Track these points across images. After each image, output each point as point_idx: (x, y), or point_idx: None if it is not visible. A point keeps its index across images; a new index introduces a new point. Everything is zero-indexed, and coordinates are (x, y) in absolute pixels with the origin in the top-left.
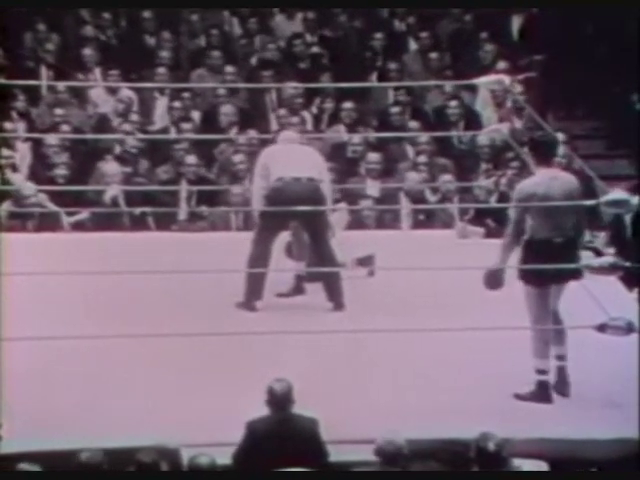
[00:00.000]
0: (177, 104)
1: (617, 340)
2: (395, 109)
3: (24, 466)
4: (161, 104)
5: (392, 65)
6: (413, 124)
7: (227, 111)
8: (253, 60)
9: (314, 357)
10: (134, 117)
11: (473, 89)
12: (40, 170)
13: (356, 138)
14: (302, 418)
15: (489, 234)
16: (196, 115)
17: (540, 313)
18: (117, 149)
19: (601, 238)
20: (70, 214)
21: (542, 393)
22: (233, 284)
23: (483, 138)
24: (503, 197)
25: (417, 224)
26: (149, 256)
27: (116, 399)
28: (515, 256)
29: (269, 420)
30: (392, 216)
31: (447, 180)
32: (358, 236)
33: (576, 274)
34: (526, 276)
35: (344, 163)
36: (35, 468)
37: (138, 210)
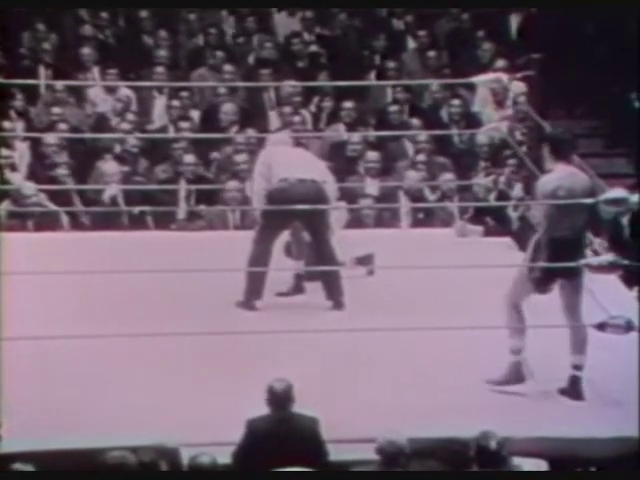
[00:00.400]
0: (175, 103)
1: (617, 339)
2: (394, 108)
3: (18, 466)
4: (160, 103)
5: (390, 64)
6: (415, 122)
7: (228, 110)
8: (251, 59)
9: (314, 356)
10: (132, 116)
11: (471, 88)
12: (39, 169)
13: (355, 137)
14: (302, 417)
15: (488, 232)
16: (195, 114)
17: (517, 298)
18: (117, 148)
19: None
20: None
21: (516, 374)
22: (232, 283)
23: (482, 137)
24: (502, 195)
25: (416, 223)
26: (148, 255)
27: (116, 399)
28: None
29: (269, 419)
30: (391, 215)
31: (448, 179)
32: (357, 235)
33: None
34: (538, 274)
35: (343, 162)
36: (29, 468)
37: (137, 209)
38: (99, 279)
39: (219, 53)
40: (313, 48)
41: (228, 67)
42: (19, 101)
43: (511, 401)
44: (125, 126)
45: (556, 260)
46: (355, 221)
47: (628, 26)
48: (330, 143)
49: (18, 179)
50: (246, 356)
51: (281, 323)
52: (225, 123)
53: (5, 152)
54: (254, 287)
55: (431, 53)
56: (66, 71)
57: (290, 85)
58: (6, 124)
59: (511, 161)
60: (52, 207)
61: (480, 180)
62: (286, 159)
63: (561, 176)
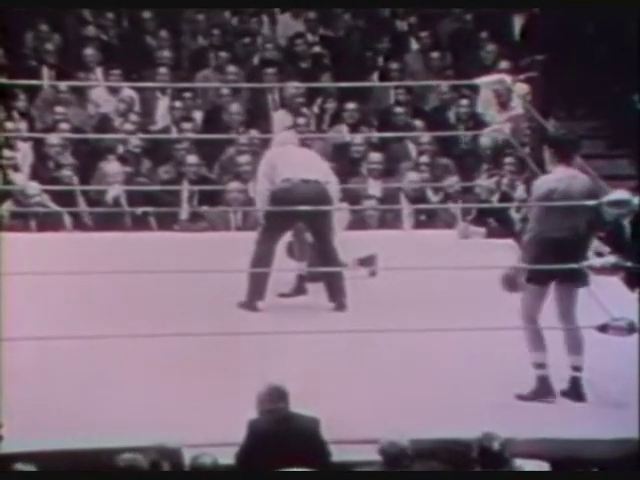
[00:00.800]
0: (178, 104)
1: (618, 340)
2: (397, 109)
3: (19, 466)
4: (163, 104)
5: (394, 65)
6: (418, 123)
7: (236, 110)
8: (255, 60)
9: (316, 357)
10: (135, 117)
11: (474, 89)
12: (42, 170)
13: (358, 138)
14: (303, 417)
15: (490, 234)
16: (198, 115)
17: (532, 310)
18: (120, 149)
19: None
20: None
21: (543, 389)
22: (235, 284)
23: (485, 138)
24: (505, 197)
25: (418, 224)
26: (151, 256)
27: (117, 399)
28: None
29: (270, 419)
30: (394, 216)
31: (452, 181)
32: (360, 236)
33: (583, 279)
34: (531, 274)
35: (346, 163)
36: (30, 468)
37: (140, 210)
38: (101, 280)
39: (223, 54)
40: (316, 49)
41: (232, 68)
42: (22, 102)
43: (513, 403)
44: (128, 127)
45: (549, 261)
46: (358, 222)
47: (628, 26)
48: (333, 144)
49: (21, 179)
50: (248, 357)
51: (283, 324)
52: (234, 124)
53: (8, 153)
54: (256, 288)
55: (434, 54)
56: (69, 72)
57: (293, 86)
58: (9, 125)
59: (514, 162)
60: (55, 207)
61: (483, 182)
62: (290, 159)
63: (558, 178)
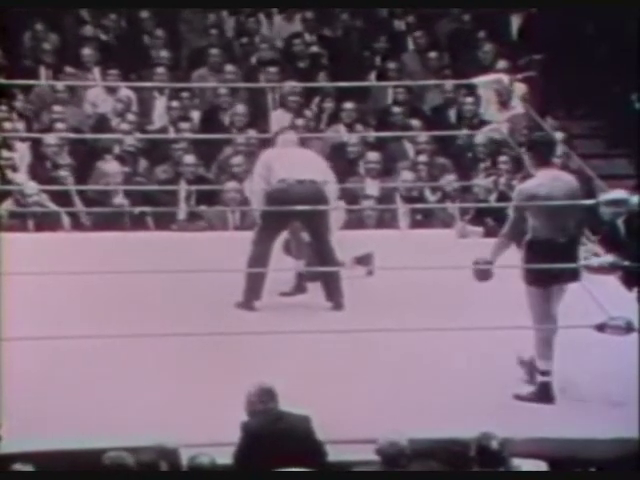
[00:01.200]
0: (175, 104)
1: (617, 340)
2: (395, 108)
3: (18, 466)
4: (160, 104)
5: (391, 64)
6: (415, 123)
7: (240, 111)
8: (252, 60)
9: (313, 357)
10: (132, 117)
11: (472, 89)
12: (40, 170)
13: (353, 138)
14: (294, 416)
15: (488, 233)
16: (196, 115)
17: (542, 314)
18: (117, 149)
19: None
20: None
21: (544, 394)
22: (232, 284)
23: (481, 138)
24: (502, 196)
25: (414, 224)
26: (149, 256)
27: (116, 399)
28: (518, 256)
29: (261, 419)
30: (391, 216)
31: (450, 180)
32: (357, 235)
33: (575, 275)
34: (529, 276)
35: (343, 163)
36: (29, 468)
37: (137, 210)
38: (99, 279)
39: (220, 52)
40: (314, 49)
41: (230, 68)
42: (20, 102)
43: (511, 402)
44: (124, 127)
45: (546, 263)
46: (356, 222)
47: (628, 26)
48: (331, 144)
49: (20, 179)
50: (245, 357)
51: (281, 324)
52: (237, 124)
53: (5, 153)
54: (253, 288)
55: (432, 54)
56: (66, 71)
57: (290, 86)
58: (7, 125)
59: (509, 162)
60: (53, 207)
61: (480, 181)
62: (286, 160)
63: (539, 183)
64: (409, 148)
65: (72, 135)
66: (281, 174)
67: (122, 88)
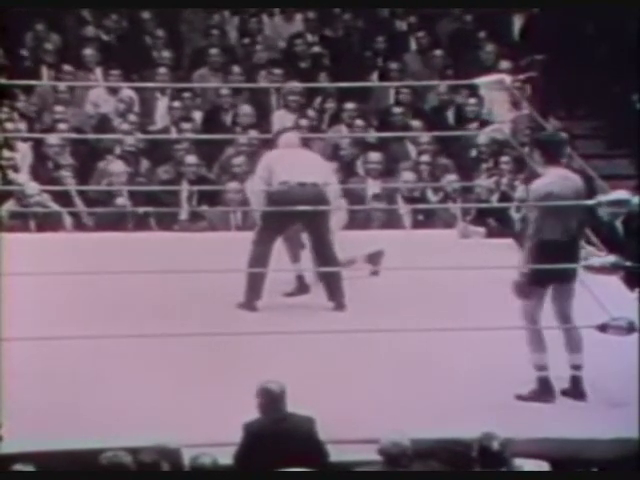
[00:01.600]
0: (177, 104)
1: (618, 340)
2: (396, 109)
3: (18, 467)
4: (162, 104)
5: (393, 65)
6: (417, 123)
7: (247, 111)
8: (255, 60)
9: (315, 357)
10: (133, 117)
11: (474, 89)
12: (41, 170)
13: (346, 141)
14: (298, 417)
15: (490, 234)
16: (197, 115)
17: (534, 311)
18: (118, 149)
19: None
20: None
21: (544, 390)
22: (234, 284)
23: (482, 137)
24: (504, 197)
25: (416, 224)
26: (150, 256)
27: (117, 399)
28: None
29: (265, 421)
30: (394, 216)
31: (451, 180)
32: (359, 236)
33: (575, 274)
34: (531, 276)
35: (344, 163)
36: (29, 468)
37: (141, 210)
38: (100, 280)
39: (221, 52)
40: (316, 49)
41: (235, 68)
42: (21, 102)
43: (512, 402)
44: (125, 127)
45: (549, 264)
46: (358, 222)
47: (628, 26)
48: (332, 144)
49: (21, 179)
50: (248, 357)
51: (282, 324)
52: (243, 124)
53: (7, 154)
54: (254, 288)
55: (433, 54)
56: (68, 71)
57: (292, 86)
58: (8, 125)
59: (511, 162)
60: (55, 207)
61: (482, 181)
62: (288, 162)
63: (552, 181)
64: (411, 149)
65: (74, 135)
66: (282, 176)
67: (124, 88)
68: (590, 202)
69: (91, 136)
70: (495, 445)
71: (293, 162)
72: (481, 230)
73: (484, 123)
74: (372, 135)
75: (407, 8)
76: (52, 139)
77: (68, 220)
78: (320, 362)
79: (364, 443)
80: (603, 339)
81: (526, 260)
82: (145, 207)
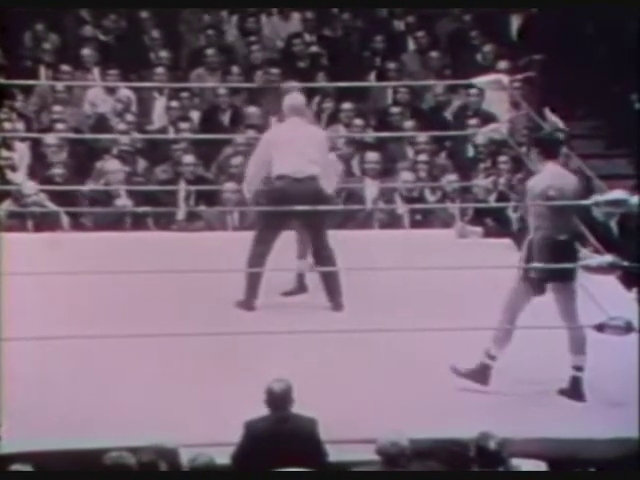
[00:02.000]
0: (174, 104)
1: (616, 340)
2: (394, 109)
3: (17, 467)
4: (160, 104)
5: (391, 65)
6: (413, 124)
7: (253, 113)
8: (253, 60)
9: (313, 357)
10: (131, 117)
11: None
12: (39, 170)
13: (340, 141)
14: (300, 418)
15: (488, 233)
16: (195, 115)
17: (517, 308)
18: (114, 149)
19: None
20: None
21: (480, 374)
22: (232, 284)
23: (480, 137)
24: (502, 196)
25: (414, 224)
26: (148, 256)
27: (115, 399)
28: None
29: (267, 420)
30: (393, 216)
31: (450, 180)
32: (358, 236)
33: (573, 273)
34: (528, 275)
35: (341, 163)
36: (28, 468)
37: (140, 209)
38: (99, 279)
39: (218, 52)
40: (314, 49)
41: (234, 69)
42: (20, 102)
43: (510, 402)
44: (123, 126)
45: (549, 262)
46: (359, 222)
47: (628, 26)
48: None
49: (19, 178)
50: (245, 356)
51: (280, 323)
52: (250, 125)
53: (5, 153)
54: (252, 287)
55: (432, 54)
56: (66, 71)
57: (290, 86)
58: (6, 125)
59: (508, 161)
60: (52, 207)
61: (480, 181)
62: (287, 151)
63: (552, 175)
64: (409, 149)
65: (72, 135)
66: (280, 169)
67: (122, 88)
68: (588, 202)
69: (89, 136)
70: (492, 445)
71: (291, 151)
72: (479, 230)
73: (485, 119)
74: (370, 135)
75: (406, 8)
76: (50, 139)
77: (66, 220)
78: (318, 362)
79: (362, 443)
80: (602, 339)
81: (525, 258)
82: (142, 207)
